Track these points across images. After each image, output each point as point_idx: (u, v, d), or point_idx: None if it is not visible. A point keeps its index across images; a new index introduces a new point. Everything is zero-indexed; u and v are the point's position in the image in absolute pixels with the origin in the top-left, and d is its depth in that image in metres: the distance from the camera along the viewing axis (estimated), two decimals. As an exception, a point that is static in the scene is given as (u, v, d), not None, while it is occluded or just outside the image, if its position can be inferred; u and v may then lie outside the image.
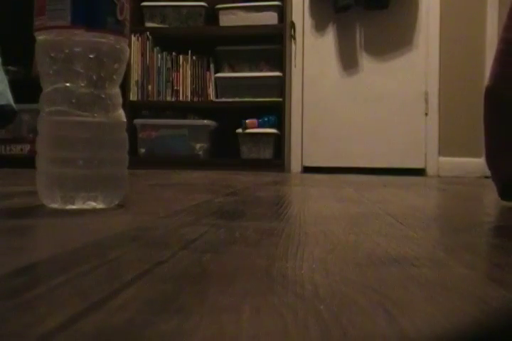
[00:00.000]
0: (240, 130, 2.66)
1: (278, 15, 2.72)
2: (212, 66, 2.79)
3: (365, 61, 2.73)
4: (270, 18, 2.71)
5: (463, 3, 2.55)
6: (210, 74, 2.77)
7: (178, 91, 2.79)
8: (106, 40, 0.62)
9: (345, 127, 2.73)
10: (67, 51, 0.60)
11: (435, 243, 0.43)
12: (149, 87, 2.79)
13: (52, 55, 0.60)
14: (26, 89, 1.71)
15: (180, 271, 0.30)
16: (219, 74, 2.75)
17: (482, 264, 0.35)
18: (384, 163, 2.68)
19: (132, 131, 2.63)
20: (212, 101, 2.76)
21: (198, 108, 2.78)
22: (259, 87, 2.71)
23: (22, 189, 0.96)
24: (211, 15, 2.79)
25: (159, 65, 2.80)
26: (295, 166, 2.75)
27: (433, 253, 0.38)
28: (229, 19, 2.74)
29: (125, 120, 0.66)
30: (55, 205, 0.61)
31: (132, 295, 0.24)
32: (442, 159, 2.68)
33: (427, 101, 2.68)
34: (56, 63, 0.60)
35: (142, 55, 2.79)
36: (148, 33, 2.78)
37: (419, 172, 2.67)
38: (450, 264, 0.34)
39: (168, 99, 2.79)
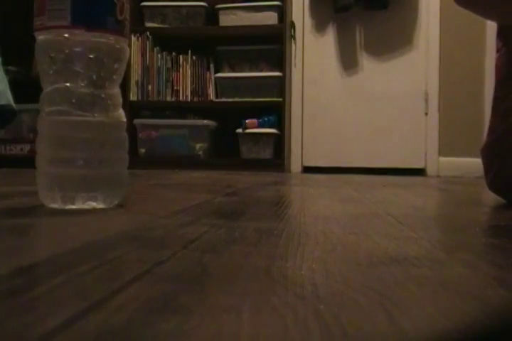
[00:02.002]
0: (240, 130, 2.66)
1: (278, 15, 2.71)
2: (212, 66, 2.78)
3: (365, 61, 2.73)
4: (270, 18, 2.71)
5: (463, 3, 2.54)
6: (210, 74, 2.77)
7: (178, 91, 2.79)
8: (106, 40, 0.62)
9: (345, 127, 2.73)
10: (67, 51, 0.60)
11: (435, 243, 0.43)
12: (149, 87, 2.79)
13: (52, 55, 0.60)
14: (26, 89, 1.71)
15: (180, 271, 0.30)
16: (219, 74, 2.75)
17: (482, 264, 0.35)
18: (384, 163, 2.68)
19: (132, 131, 2.62)
20: (212, 101, 2.76)
21: (198, 108, 2.78)
22: (259, 87, 2.71)
23: (22, 189, 0.96)
24: (211, 15, 2.78)
25: (159, 64, 2.80)
26: (295, 166, 2.75)
27: (433, 253, 0.38)
28: (229, 19, 2.74)
29: (125, 120, 0.66)
30: (55, 205, 0.61)
31: (132, 295, 0.24)
32: (442, 159, 2.68)
33: (427, 101, 2.68)
34: (56, 63, 0.60)
35: (142, 55, 2.79)
36: (148, 33, 2.78)
37: (419, 172, 2.67)
38: (450, 264, 0.34)
39: (168, 99, 2.79)
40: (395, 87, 2.70)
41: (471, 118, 2.62)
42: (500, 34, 0.88)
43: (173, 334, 0.19)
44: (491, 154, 0.85)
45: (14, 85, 1.51)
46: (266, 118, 2.66)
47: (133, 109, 2.68)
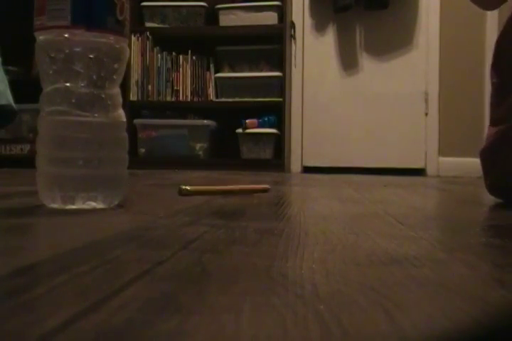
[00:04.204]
0: (240, 130, 2.66)
1: (278, 15, 2.71)
2: (212, 66, 2.78)
3: (365, 61, 2.73)
4: (270, 18, 2.71)
5: (463, 3, 2.54)
6: (210, 74, 2.77)
7: (178, 91, 2.79)
8: (106, 40, 0.62)
9: (345, 127, 2.73)
10: (67, 51, 0.60)
11: (435, 243, 0.43)
12: (149, 87, 2.79)
13: (52, 55, 0.60)
14: (26, 89, 1.71)
15: (180, 271, 0.30)
16: (219, 74, 2.75)
17: (482, 264, 0.35)
18: (384, 163, 2.68)
19: (132, 131, 2.62)
20: (212, 101, 2.76)
21: (198, 108, 2.78)
22: (259, 87, 2.71)
23: (22, 189, 0.96)
24: (211, 15, 2.78)
25: (159, 65, 2.80)
26: (295, 166, 2.75)
27: (433, 253, 0.38)
28: (229, 19, 2.74)
29: (125, 120, 0.66)
30: (55, 205, 0.61)
31: (132, 295, 0.24)
32: (442, 159, 2.68)
33: (427, 101, 2.68)
34: (56, 63, 0.60)
35: (142, 55, 2.79)
36: (148, 33, 2.78)
37: (419, 172, 2.67)
38: (450, 264, 0.34)
39: (168, 99, 2.79)
40: (395, 87, 2.70)
41: (471, 118, 2.61)
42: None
43: (173, 334, 0.19)
44: (489, 158, 0.85)
45: (14, 85, 1.51)
46: (266, 118, 2.66)
47: (133, 109, 2.68)
